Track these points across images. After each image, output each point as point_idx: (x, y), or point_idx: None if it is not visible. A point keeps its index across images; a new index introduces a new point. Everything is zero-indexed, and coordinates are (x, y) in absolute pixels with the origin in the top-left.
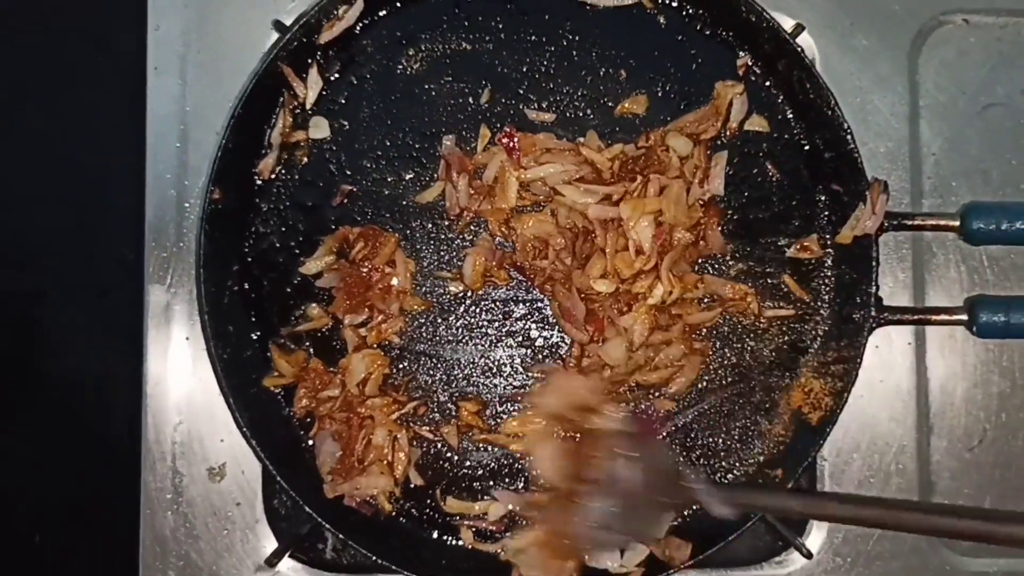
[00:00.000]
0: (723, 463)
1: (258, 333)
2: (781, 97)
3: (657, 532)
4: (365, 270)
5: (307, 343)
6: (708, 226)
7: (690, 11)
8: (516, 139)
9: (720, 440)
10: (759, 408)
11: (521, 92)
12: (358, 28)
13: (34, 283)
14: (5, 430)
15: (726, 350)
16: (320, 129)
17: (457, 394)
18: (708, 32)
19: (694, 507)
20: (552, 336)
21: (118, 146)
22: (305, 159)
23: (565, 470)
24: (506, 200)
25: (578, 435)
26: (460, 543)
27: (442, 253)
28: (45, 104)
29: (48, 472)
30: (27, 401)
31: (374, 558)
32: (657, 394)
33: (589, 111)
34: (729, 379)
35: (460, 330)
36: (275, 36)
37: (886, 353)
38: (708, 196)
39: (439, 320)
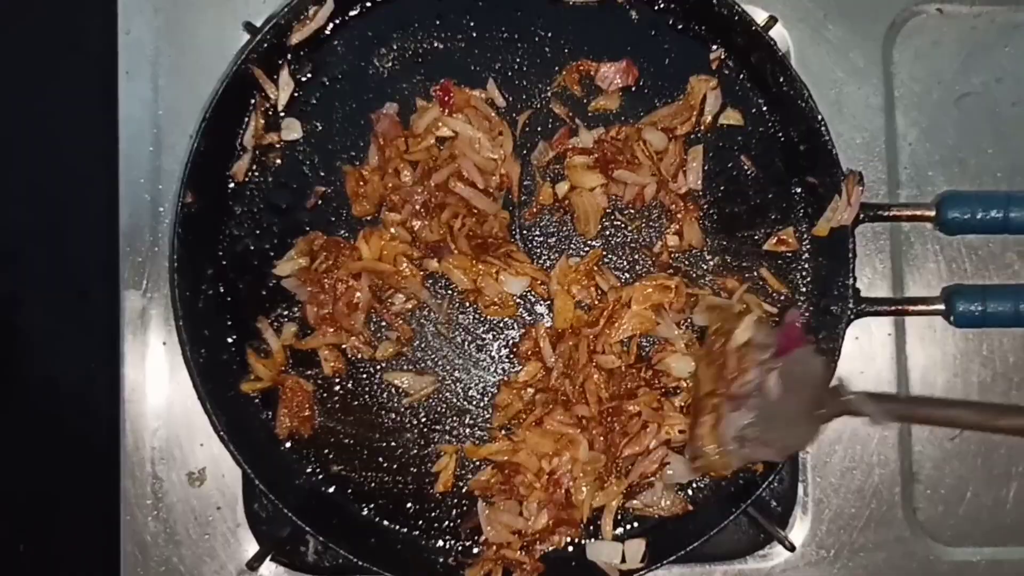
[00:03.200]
0: None
1: (234, 336)
2: (755, 90)
3: (807, 444)
4: (329, 282)
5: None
6: (686, 221)
7: (662, 5)
8: (452, 93)
9: None
10: None
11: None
12: (329, 29)
13: (9, 288)
14: None
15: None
16: (292, 131)
17: None
18: (680, 26)
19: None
20: None
21: (91, 151)
22: (278, 161)
23: (713, 383)
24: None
25: (725, 348)
26: (440, 543)
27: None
28: (16, 109)
29: (26, 479)
30: (3, 407)
31: (355, 560)
32: None
33: (563, 108)
34: None
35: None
36: (246, 38)
37: (866, 344)
38: (685, 190)
39: None
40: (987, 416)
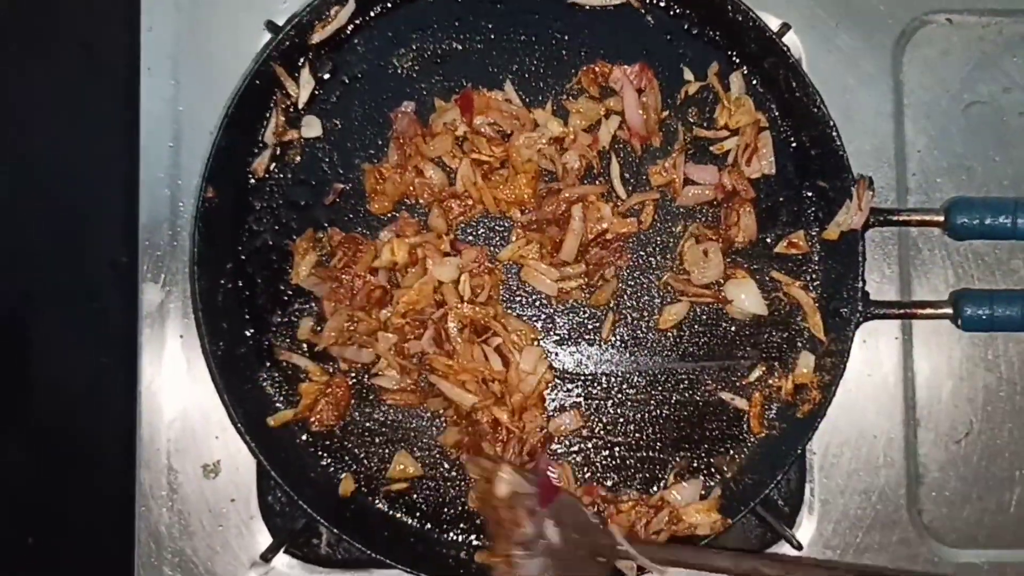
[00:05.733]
0: (716, 451)
1: (252, 330)
2: (768, 96)
3: None
4: (347, 278)
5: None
6: (742, 212)
7: (677, 11)
8: (473, 100)
9: (712, 429)
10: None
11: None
12: (350, 28)
13: (26, 285)
14: (3, 431)
15: (714, 344)
16: (312, 128)
17: None
18: (695, 31)
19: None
20: None
21: (112, 147)
22: (298, 158)
23: (498, 536)
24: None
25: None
26: (453, 537)
27: None
28: (38, 106)
29: (44, 471)
30: (21, 402)
31: (367, 552)
32: None
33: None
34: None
35: None
36: (267, 36)
37: (873, 347)
38: (758, 175)
39: None
40: (744, 565)
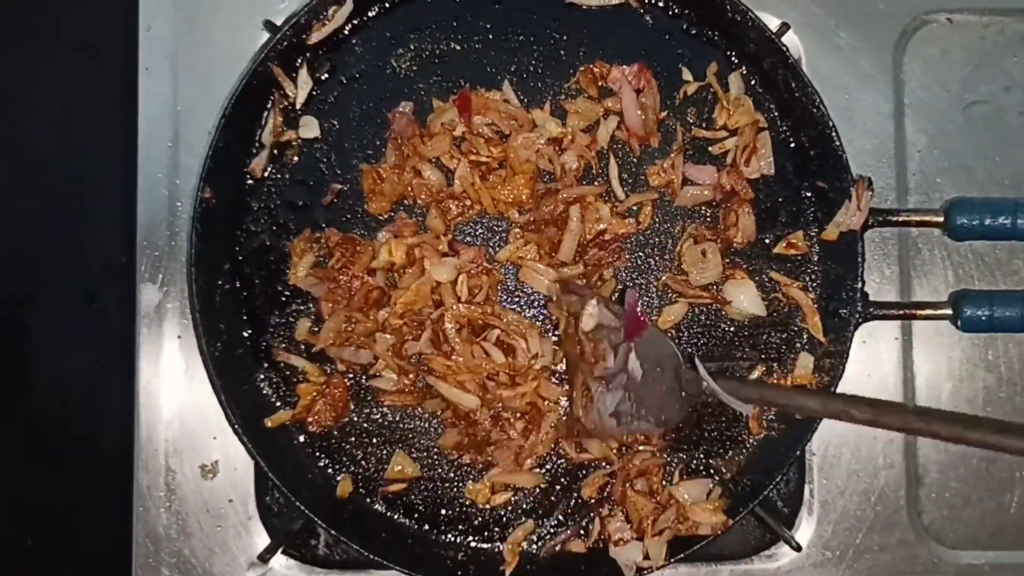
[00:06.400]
0: (715, 452)
1: (250, 331)
2: (767, 96)
3: (674, 419)
4: (344, 279)
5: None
6: (741, 212)
7: (676, 11)
8: (471, 101)
9: (711, 430)
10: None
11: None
12: (348, 29)
13: (23, 286)
14: (1, 431)
15: (712, 345)
16: (310, 128)
17: None
18: (694, 32)
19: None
20: None
21: (110, 146)
22: (296, 158)
23: (577, 363)
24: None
25: (577, 338)
26: (451, 539)
27: None
28: (36, 105)
29: (42, 472)
30: (18, 403)
31: (365, 554)
32: None
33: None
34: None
35: None
36: (265, 36)
37: (873, 348)
38: (757, 175)
39: None
40: (832, 405)
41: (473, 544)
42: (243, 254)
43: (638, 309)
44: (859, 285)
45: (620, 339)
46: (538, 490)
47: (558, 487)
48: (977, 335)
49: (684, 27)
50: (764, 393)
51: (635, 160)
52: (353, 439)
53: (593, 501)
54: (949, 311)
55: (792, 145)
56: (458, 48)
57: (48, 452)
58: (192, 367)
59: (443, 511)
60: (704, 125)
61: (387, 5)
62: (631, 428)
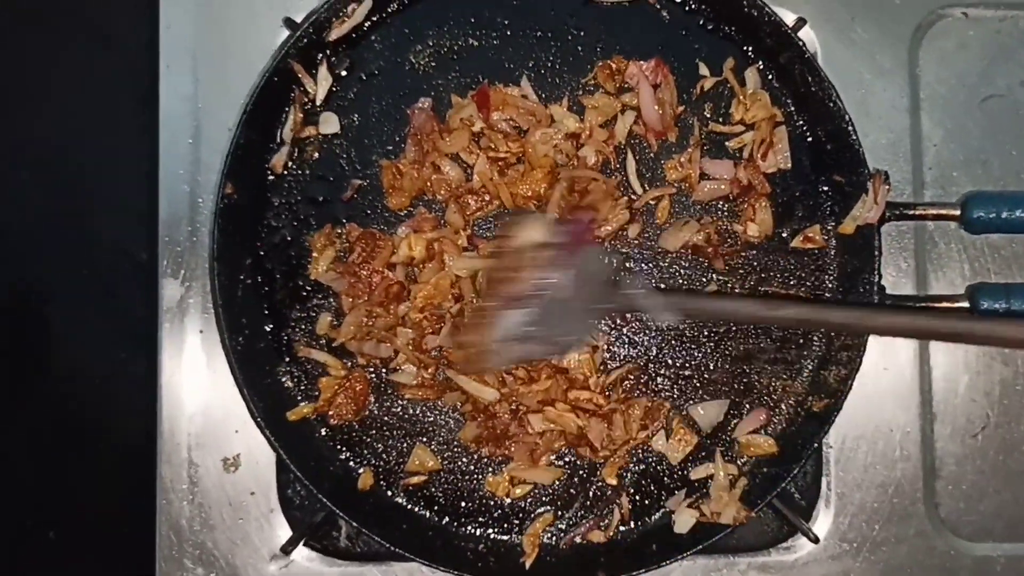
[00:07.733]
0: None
1: (271, 325)
2: (783, 90)
3: (571, 344)
4: (364, 273)
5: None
6: (758, 206)
7: (693, 6)
8: (489, 96)
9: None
10: (765, 392)
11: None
12: (367, 25)
13: (45, 282)
14: (24, 427)
15: (728, 339)
16: (330, 124)
17: None
18: (711, 27)
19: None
20: None
21: (131, 143)
22: (316, 154)
23: (490, 284)
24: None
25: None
26: (471, 531)
27: None
28: (57, 103)
29: (65, 466)
30: (41, 399)
31: (387, 545)
32: None
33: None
34: (734, 369)
35: None
36: (285, 33)
37: (889, 341)
38: (773, 170)
39: None
40: (763, 308)
41: (493, 536)
42: (264, 249)
43: (587, 222)
44: (876, 279)
45: (556, 257)
46: (557, 482)
47: (576, 479)
48: None
49: (701, 22)
50: (692, 303)
51: (652, 155)
52: (374, 432)
53: (610, 492)
54: (966, 304)
55: (809, 139)
56: (476, 44)
57: (71, 447)
58: (214, 361)
59: (463, 503)
60: (721, 120)
61: (406, 1)
62: (530, 353)
